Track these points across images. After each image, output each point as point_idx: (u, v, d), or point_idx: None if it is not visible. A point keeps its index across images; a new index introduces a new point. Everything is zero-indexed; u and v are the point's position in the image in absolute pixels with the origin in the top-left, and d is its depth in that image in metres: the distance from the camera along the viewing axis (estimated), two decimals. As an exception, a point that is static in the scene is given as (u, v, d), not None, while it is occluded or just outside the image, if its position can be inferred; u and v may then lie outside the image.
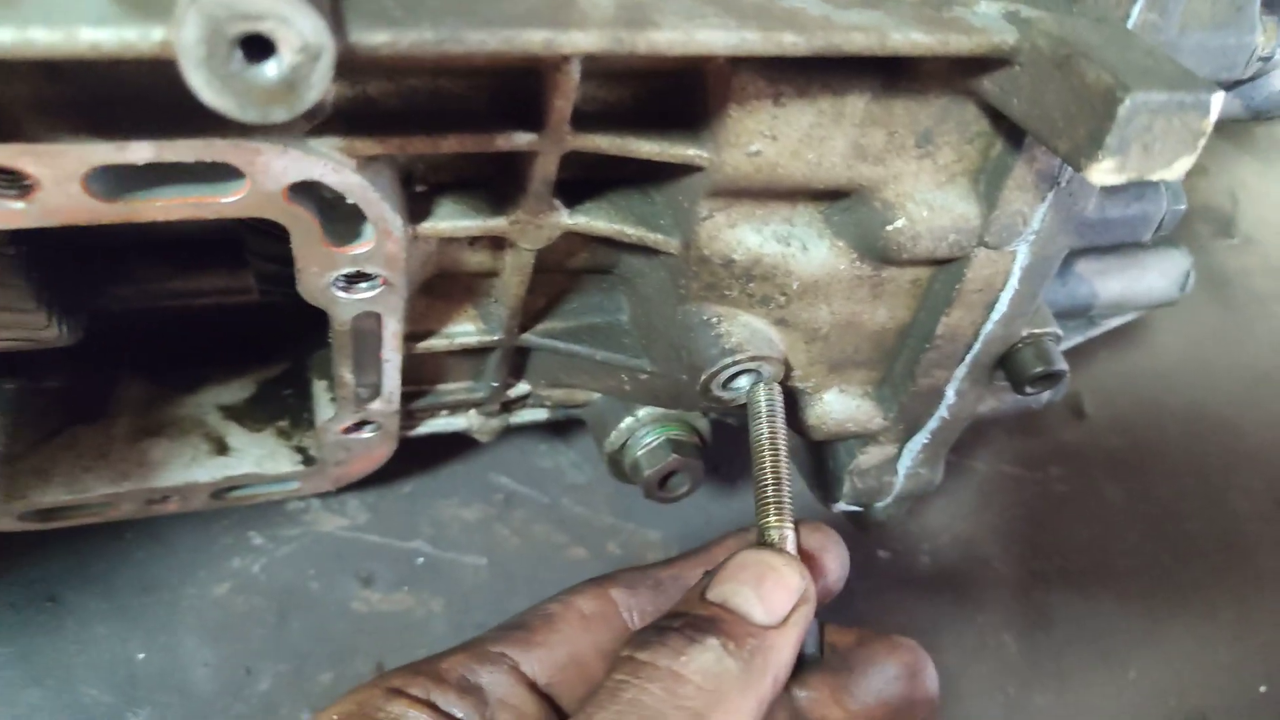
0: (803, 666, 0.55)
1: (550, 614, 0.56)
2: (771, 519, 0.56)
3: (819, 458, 0.77)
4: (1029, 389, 0.68)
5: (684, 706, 0.46)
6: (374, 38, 0.39)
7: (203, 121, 0.45)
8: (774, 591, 0.51)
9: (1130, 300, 0.81)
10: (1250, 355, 1.29)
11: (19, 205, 0.46)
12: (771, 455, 0.57)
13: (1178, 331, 1.27)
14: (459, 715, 0.50)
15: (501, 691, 0.52)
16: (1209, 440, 1.20)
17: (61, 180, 0.45)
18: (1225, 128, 1.43)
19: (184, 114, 0.45)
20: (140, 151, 0.45)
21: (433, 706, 0.50)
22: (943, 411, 0.70)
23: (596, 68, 0.52)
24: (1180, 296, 0.84)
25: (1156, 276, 0.81)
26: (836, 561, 0.58)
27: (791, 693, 0.55)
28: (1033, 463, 1.13)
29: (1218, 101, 0.45)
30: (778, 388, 0.60)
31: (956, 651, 0.99)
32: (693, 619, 0.50)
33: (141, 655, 0.80)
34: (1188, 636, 1.07)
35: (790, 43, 0.44)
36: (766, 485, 0.56)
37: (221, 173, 0.48)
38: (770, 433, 0.58)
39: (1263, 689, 1.06)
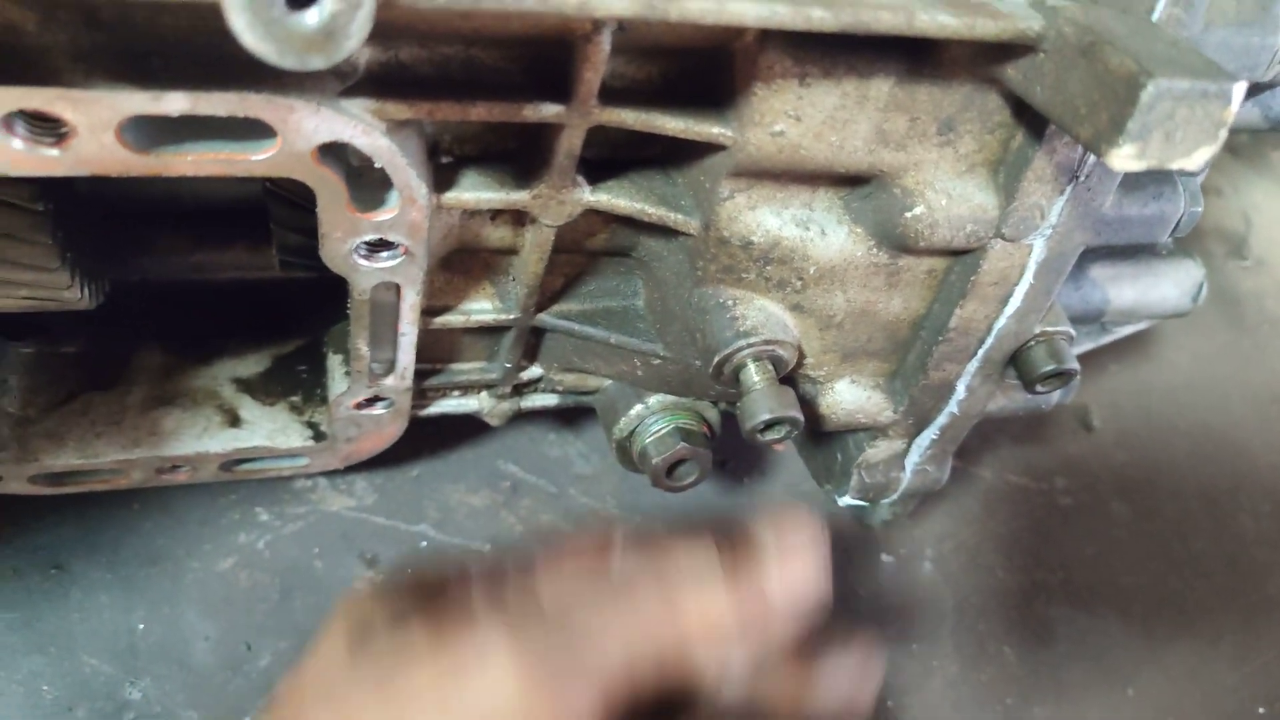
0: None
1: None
2: None
3: (827, 450, 0.77)
4: (1040, 387, 0.68)
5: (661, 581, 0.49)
6: (414, -9, 0.40)
7: (238, 77, 0.46)
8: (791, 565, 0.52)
9: (1143, 308, 0.82)
10: (1262, 377, 1.29)
11: (54, 152, 0.47)
12: None
13: (1189, 350, 1.27)
14: None
15: None
16: (1218, 460, 1.20)
17: (96, 128, 0.46)
18: (1241, 149, 1.45)
19: (219, 69, 0.46)
20: (175, 103, 0.46)
21: None
22: (952, 407, 0.71)
23: (626, 42, 0.53)
24: (1192, 307, 0.84)
25: (1170, 286, 0.82)
26: None
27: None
28: (1039, 474, 1.13)
29: (1240, 91, 0.45)
30: None
31: (956, 660, 0.99)
32: None
33: (143, 626, 0.80)
34: (1189, 656, 1.07)
35: (819, 18, 0.45)
36: None
37: (253, 130, 0.49)
38: None
39: (1261, 711, 1.05)
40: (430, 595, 0.56)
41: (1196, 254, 0.87)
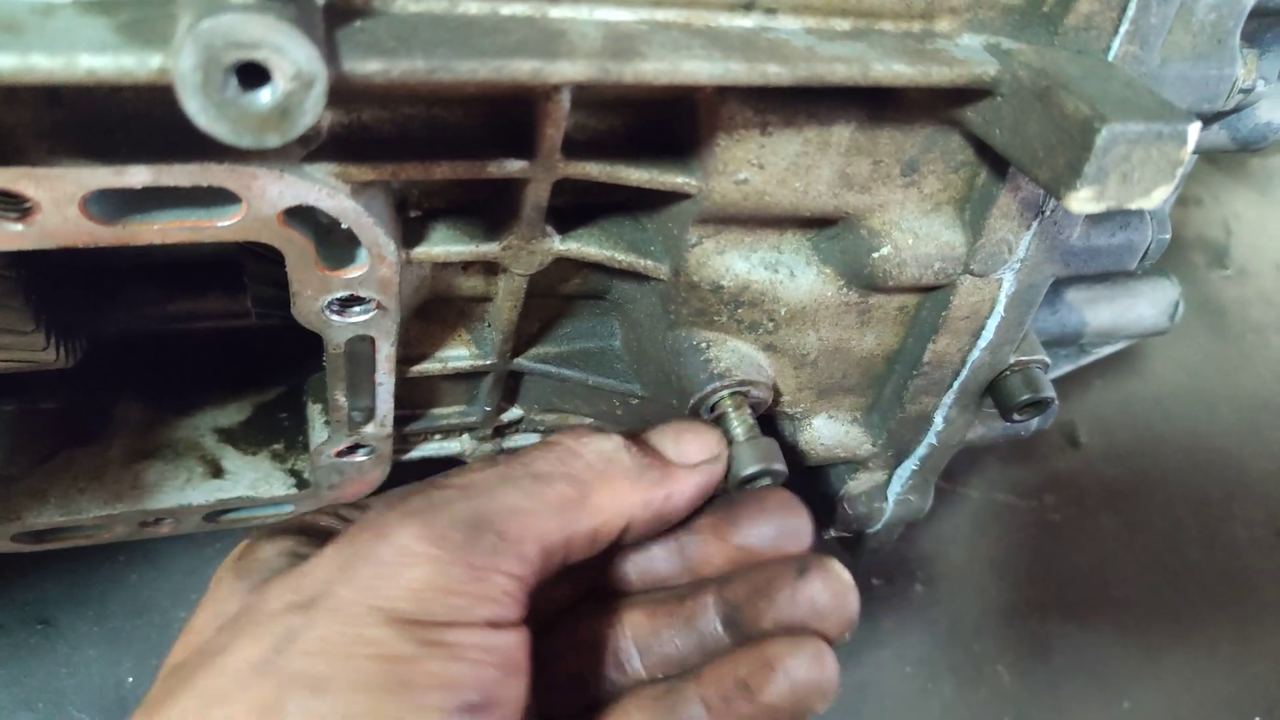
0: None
1: None
2: None
3: (810, 484, 0.77)
4: (1017, 416, 0.68)
5: (572, 475, 0.50)
6: (366, 66, 0.40)
7: (200, 146, 0.46)
8: (690, 443, 0.57)
9: (1120, 329, 0.82)
10: (1248, 384, 1.29)
11: (18, 227, 0.47)
12: None
13: (1174, 361, 1.28)
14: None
15: None
16: (1207, 470, 1.20)
17: (60, 203, 0.46)
18: (1219, 158, 1.45)
19: (182, 139, 0.46)
20: (138, 175, 0.46)
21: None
22: (931, 438, 0.71)
23: (587, 97, 0.53)
24: (1170, 326, 0.85)
25: (1146, 305, 0.82)
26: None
27: (680, 540, 0.59)
28: (1027, 491, 1.13)
29: (1194, 132, 0.46)
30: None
31: (952, 680, 0.99)
32: None
33: (131, 679, 0.80)
34: (1185, 667, 1.07)
35: (774, 73, 0.45)
36: None
37: (218, 197, 0.49)
38: None
39: (1258, 720, 1.05)
40: (324, 530, 0.55)
41: (1178, 266, 0.88)
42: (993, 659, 1.02)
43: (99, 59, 0.37)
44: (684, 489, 0.55)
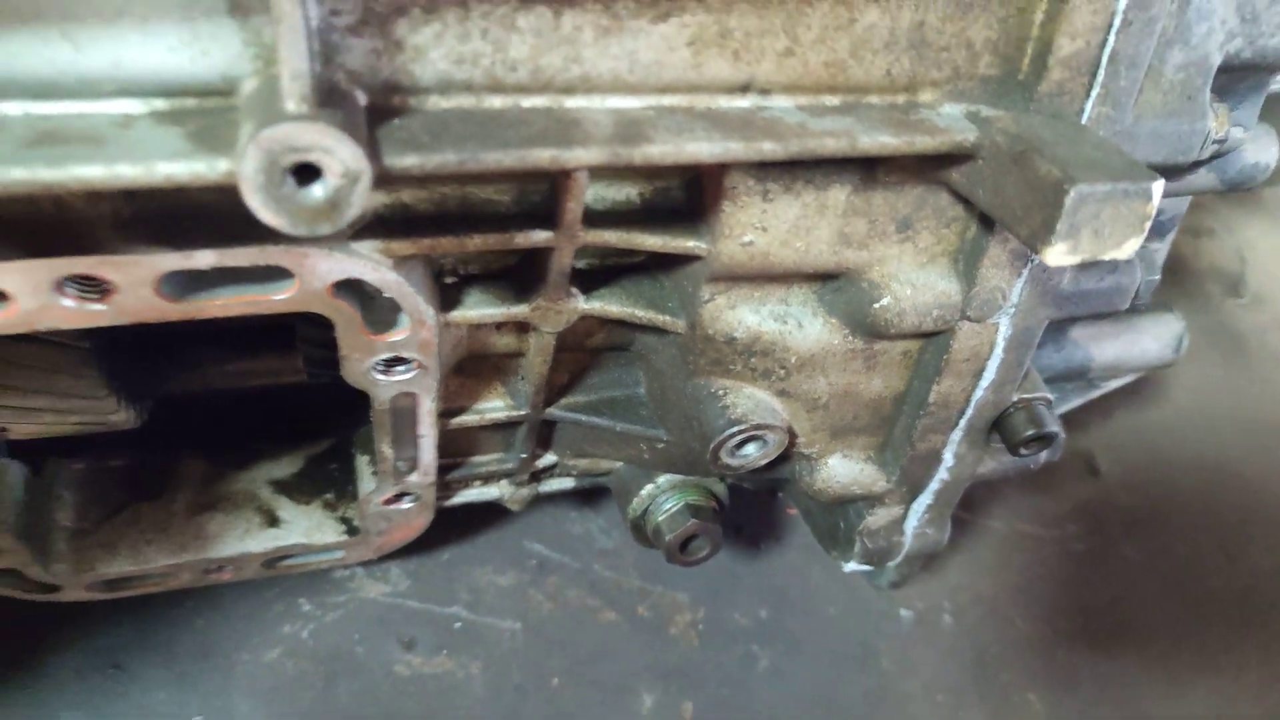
0: None
1: None
2: None
3: (831, 519, 0.81)
4: (1023, 451, 0.71)
5: None
6: (404, 160, 0.45)
7: (258, 231, 0.52)
8: None
9: (1126, 363, 0.85)
10: (1265, 411, 1.31)
11: (99, 307, 0.53)
12: None
13: (1191, 389, 1.29)
14: None
15: None
16: (1225, 497, 1.21)
17: (135, 285, 0.52)
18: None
19: (241, 225, 0.52)
20: (204, 259, 0.52)
21: None
22: (943, 473, 0.74)
23: (604, 172, 0.58)
24: (1176, 358, 0.88)
25: (1150, 340, 0.85)
26: None
27: None
28: (1049, 521, 1.15)
29: (1158, 189, 0.50)
30: None
31: (982, 711, 1.01)
32: None
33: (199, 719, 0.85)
34: (1213, 694, 1.08)
35: (769, 150, 0.50)
36: None
37: (274, 273, 0.54)
38: None
39: (1289, 744, 1.06)
40: None
41: (1193, 297, 0.91)
42: (1022, 689, 1.03)
43: (174, 165, 0.43)
44: None
